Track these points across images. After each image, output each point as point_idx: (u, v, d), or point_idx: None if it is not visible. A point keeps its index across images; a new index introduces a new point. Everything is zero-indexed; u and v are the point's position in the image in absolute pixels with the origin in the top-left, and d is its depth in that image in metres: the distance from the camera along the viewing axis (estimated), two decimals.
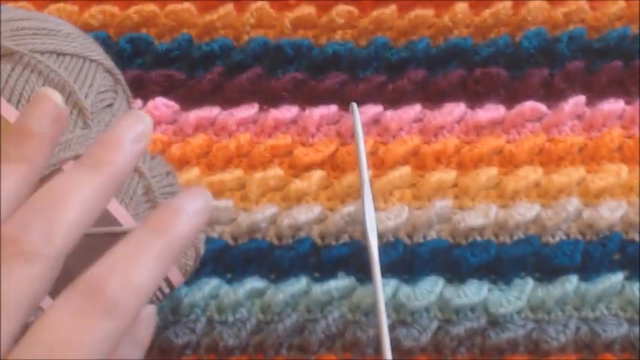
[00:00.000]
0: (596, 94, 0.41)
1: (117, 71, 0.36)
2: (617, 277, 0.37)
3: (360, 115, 0.39)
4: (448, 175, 0.39)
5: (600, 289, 0.36)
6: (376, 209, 0.37)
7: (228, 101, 0.41)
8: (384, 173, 0.39)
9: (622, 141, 0.40)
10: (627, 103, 0.41)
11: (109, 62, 0.36)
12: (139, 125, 0.27)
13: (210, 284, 0.37)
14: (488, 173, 0.39)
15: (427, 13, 0.42)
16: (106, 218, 0.32)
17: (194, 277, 0.37)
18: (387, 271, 0.37)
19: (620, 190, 0.39)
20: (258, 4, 0.42)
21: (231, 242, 0.38)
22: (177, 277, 0.34)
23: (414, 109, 0.40)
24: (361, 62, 0.42)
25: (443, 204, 0.38)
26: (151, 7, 0.42)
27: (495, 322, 0.36)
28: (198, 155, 0.40)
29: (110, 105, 0.35)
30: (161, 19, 0.42)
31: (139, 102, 0.41)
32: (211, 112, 0.41)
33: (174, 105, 0.41)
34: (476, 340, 0.36)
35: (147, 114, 0.27)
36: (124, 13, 0.42)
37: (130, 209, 0.33)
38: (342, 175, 0.39)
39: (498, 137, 0.40)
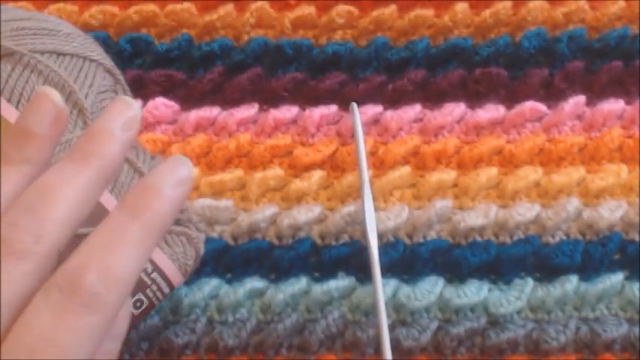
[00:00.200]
0: (596, 94, 0.41)
1: (117, 71, 0.36)
2: (617, 277, 0.37)
3: (360, 115, 0.39)
4: (448, 175, 0.39)
5: (600, 289, 0.36)
6: (376, 209, 0.37)
7: (228, 101, 0.41)
8: (384, 173, 0.39)
9: (622, 141, 0.40)
10: (627, 103, 0.41)
11: (109, 62, 0.36)
12: (128, 111, 0.26)
13: (210, 284, 0.37)
14: (488, 173, 0.39)
15: (427, 13, 0.42)
16: (105, 217, 0.32)
17: (194, 277, 0.37)
18: (387, 271, 0.37)
19: (620, 190, 0.39)
20: (258, 4, 0.42)
21: (231, 242, 0.38)
22: (177, 277, 0.34)
23: (414, 109, 0.40)
24: (361, 62, 0.42)
25: (443, 204, 0.38)
26: (151, 7, 0.42)
27: (495, 322, 0.36)
28: (198, 155, 0.40)
29: None
30: (161, 19, 0.42)
31: (139, 102, 0.41)
32: (211, 112, 0.41)
33: (174, 105, 0.41)
34: (476, 340, 0.36)
35: (133, 100, 0.26)
36: (124, 13, 0.42)
37: None
38: (342, 175, 0.39)
39: (498, 137, 0.40)
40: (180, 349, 0.36)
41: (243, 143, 0.40)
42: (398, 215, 0.38)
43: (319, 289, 0.37)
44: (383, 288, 0.35)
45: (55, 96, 0.26)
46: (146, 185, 0.24)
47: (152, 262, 0.33)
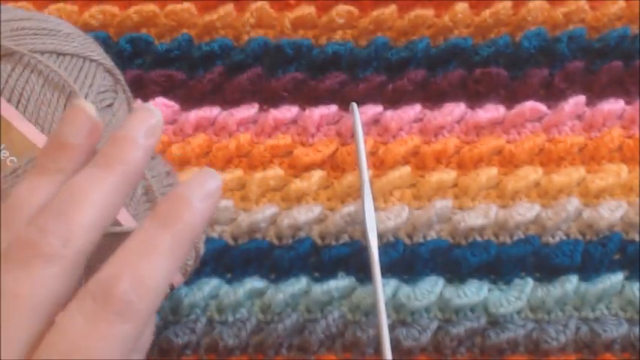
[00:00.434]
0: (596, 94, 0.41)
1: (117, 71, 0.36)
2: (617, 277, 0.37)
3: (360, 115, 0.39)
4: (448, 175, 0.39)
5: (600, 289, 0.36)
6: (376, 209, 0.37)
7: (228, 101, 0.41)
8: (384, 173, 0.39)
9: (622, 141, 0.40)
10: (627, 103, 0.41)
11: (109, 62, 0.36)
12: (150, 119, 0.27)
13: (210, 284, 0.37)
14: (488, 173, 0.39)
15: (427, 13, 0.42)
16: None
17: (194, 277, 0.37)
18: (387, 271, 0.37)
19: (620, 190, 0.39)
20: (258, 4, 0.42)
21: (231, 242, 0.38)
22: (177, 277, 0.34)
23: (414, 109, 0.40)
24: (361, 62, 0.42)
25: (443, 204, 0.38)
26: (151, 7, 0.42)
27: (495, 322, 0.36)
28: (198, 155, 0.40)
29: (110, 105, 0.35)
30: (161, 19, 0.42)
31: (139, 102, 0.41)
32: (211, 112, 0.40)
33: (174, 105, 0.41)
34: (476, 340, 0.36)
35: (156, 107, 0.27)
36: (124, 13, 0.42)
37: (130, 209, 0.33)
38: (342, 175, 0.39)
39: (498, 137, 0.40)
40: (180, 349, 0.36)
41: (243, 143, 0.40)
42: (398, 215, 0.38)
43: (319, 289, 0.37)
44: (383, 288, 0.35)
45: (90, 109, 0.27)
46: (176, 197, 0.25)
47: None
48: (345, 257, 0.38)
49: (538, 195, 0.39)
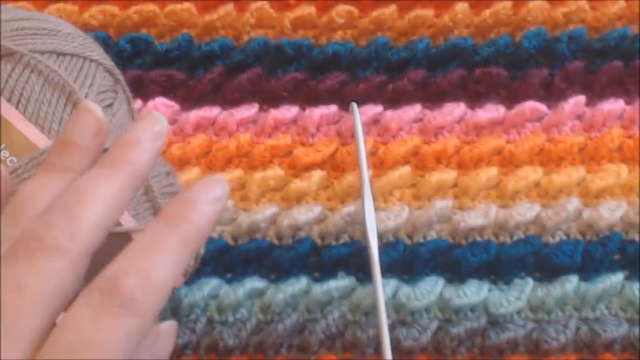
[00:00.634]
0: (596, 94, 0.41)
1: (117, 71, 0.36)
2: (617, 277, 0.37)
3: (360, 115, 0.39)
4: (448, 175, 0.39)
5: (600, 289, 0.36)
6: (376, 209, 0.37)
7: (228, 101, 0.41)
8: (384, 173, 0.39)
9: (622, 141, 0.40)
10: (627, 103, 0.41)
11: (109, 62, 0.36)
12: (155, 125, 0.28)
13: (210, 284, 0.37)
14: (488, 173, 0.39)
15: (427, 13, 0.42)
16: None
17: (194, 277, 0.37)
18: (387, 271, 0.37)
19: (620, 190, 0.39)
20: (258, 4, 0.42)
21: (231, 242, 0.38)
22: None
23: (414, 109, 0.40)
24: (361, 62, 0.42)
25: (443, 204, 0.38)
26: (151, 7, 0.42)
27: (495, 322, 0.36)
28: (198, 155, 0.40)
29: (110, 105, 0.35)
30: (161, 19, 0.42)
31: (139, 102, 0.41)
32: (211, 112, 0.41)
33: (174, 105, 0.41)
34: (476, 340, 0.36)
35: (162, 115, 0.28)
36: (124, 13, 0.42)
37: (130, 209, 0.33)
38: (342, 175, 0.39)
39: (498, 137, 0.40)
40: (180, 349, 0.36)
41: (243, 143, 0.40)
42: (398, 215, 0.38)
43: (319, 289, 0.37)
44: (383, 288, 0.35)
45: (97, 110, 0.28)
46: (184, 199, 0.26)
47: None
48: (345, 257, 0.38)
49: (538, 195, 0.39)
